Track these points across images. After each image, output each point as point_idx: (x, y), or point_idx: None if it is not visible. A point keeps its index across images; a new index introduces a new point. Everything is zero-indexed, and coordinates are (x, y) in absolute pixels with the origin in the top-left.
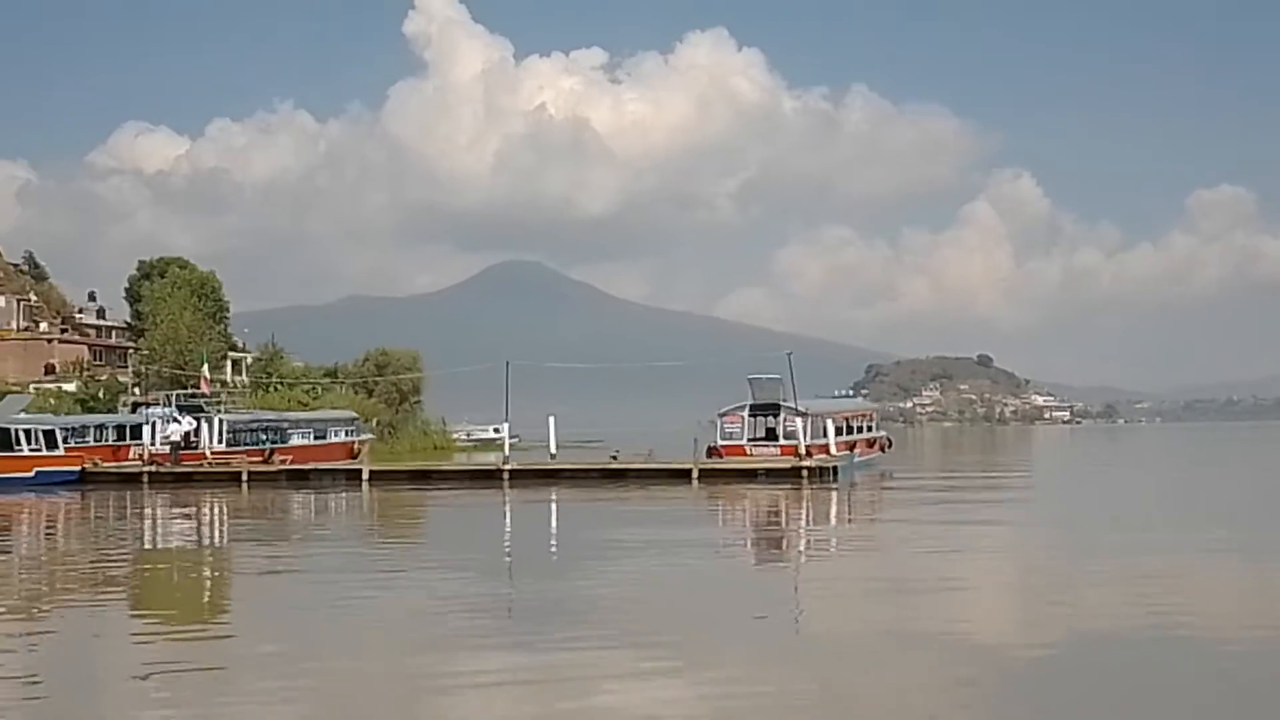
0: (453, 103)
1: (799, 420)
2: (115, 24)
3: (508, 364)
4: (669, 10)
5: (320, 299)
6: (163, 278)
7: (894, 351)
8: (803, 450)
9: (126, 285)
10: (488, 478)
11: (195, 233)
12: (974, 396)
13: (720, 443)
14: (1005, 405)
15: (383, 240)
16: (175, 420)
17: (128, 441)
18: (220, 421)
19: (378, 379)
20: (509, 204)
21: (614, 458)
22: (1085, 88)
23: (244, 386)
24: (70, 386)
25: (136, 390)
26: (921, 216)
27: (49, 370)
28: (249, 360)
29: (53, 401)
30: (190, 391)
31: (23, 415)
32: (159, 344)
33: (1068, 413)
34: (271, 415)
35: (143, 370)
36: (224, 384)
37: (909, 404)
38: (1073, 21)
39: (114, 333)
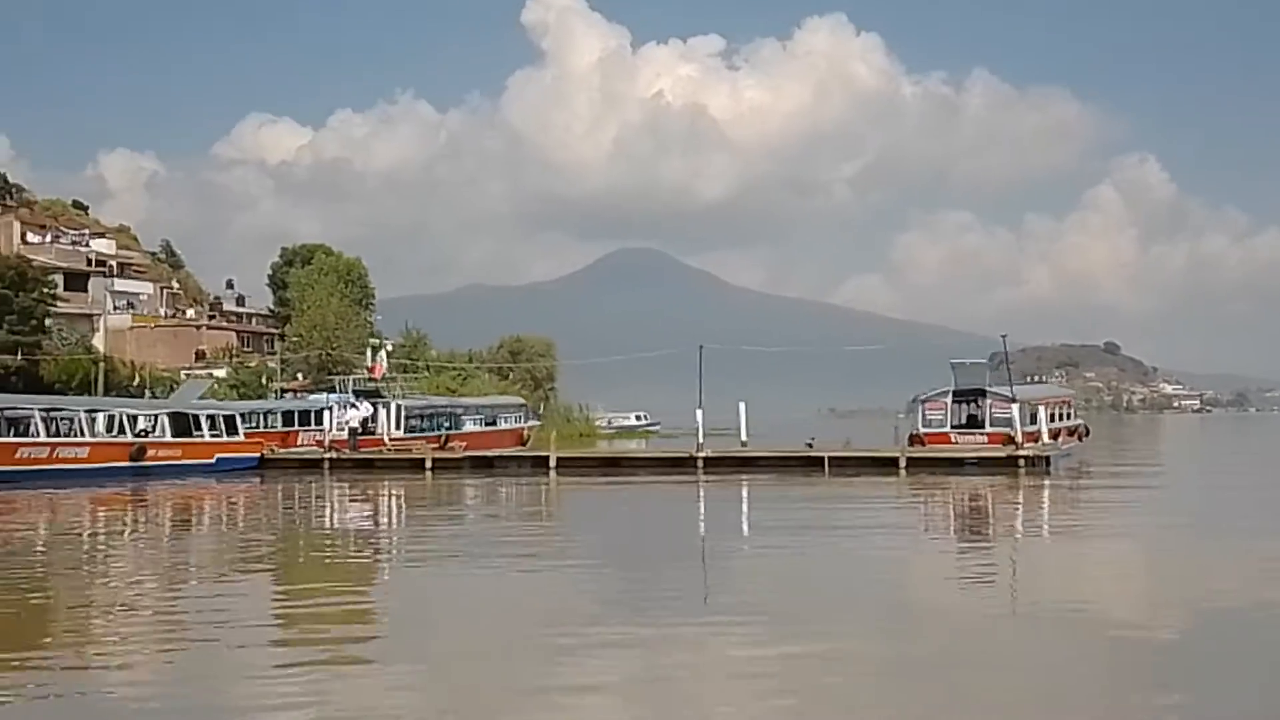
0: (570, 91)
1: (1013, 407)
2: (238, 18)
3: (701, 348)
4: None
5: (441, 287)
6: (305, 265)
7: (1017, 339)
8: (1019, 438)
9: (269, 272)
10: (680, 465)
11: (317, 222)
12: (1101, 385)
13: (923, 430)
14: (1133, 394)
15: (501, 229)
16: (353, 406)
17: (296, 427)
18: (398, 407)
19: (513, 365)
20: (626, 192)
21: (809, 445)
22: (1212, 70)
23: (387, 374)
24: (220, 373)
25: (288, 376)
26: (1043, 202)
27: (199, 356)
28: (389, 347)
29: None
30: (366, 377)
31: (203, 400)
32: (306, 330)
33: (1197, 401)
34: (445, 401)
35: (289, 356)
36: (369, 370)
37: None
38: (1200, 3)
39: (254, 319)
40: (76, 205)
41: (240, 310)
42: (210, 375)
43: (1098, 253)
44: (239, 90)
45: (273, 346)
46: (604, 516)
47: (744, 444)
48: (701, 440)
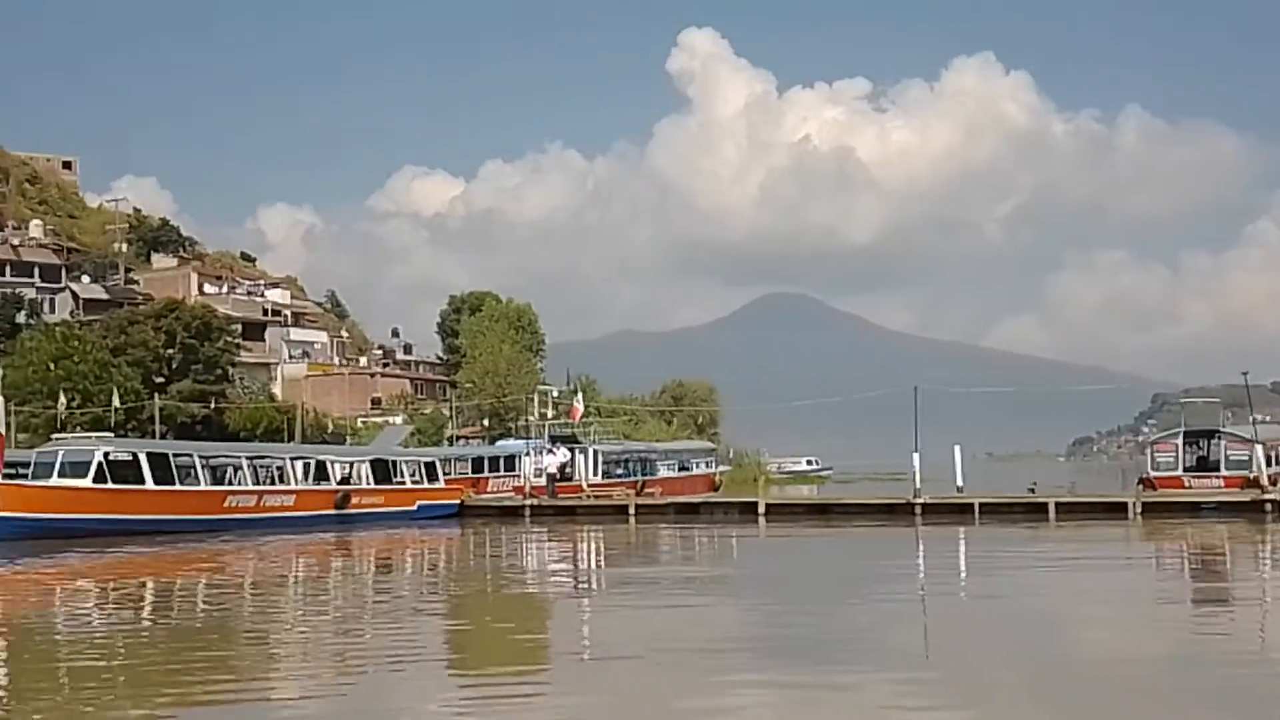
0: (716, 137)
1: (1256, 448)
2: (389, 74)
3: (916, 389)
4: (933, 37)
5: (591, 333)
6: (474, 312)
7: (1176, 380)
8: (1265, 481)
9: (438, 320)
10: (895, 512)
11: (470, 271)
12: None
13: (1153, 473)
14: None
15: (649, 274)
16: (550, 451)
17: (486, 474)
18: (595, 453)
19: (678, 409)
20: (773, 236)
21: (1031, 490)
22: None
23: (554, 418)
24: (396, 419)
25: (460, 423)
26: (1201, 238)
27: (375, 404)
28: (555, 392)
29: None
30: (563, 422)
31: (402, 447)
32: (479, 377)
33: None
34: (641, 446)
35: (462, 404)
36: (543, 416)
37: None
38: None
39: (422, 367)
40: (244, 257)
41: (409, 358)
42: (386, 422)
43: (1260, 289)
44: (392, 144)
45: (445, 393)
46: (832, 566)
47: (959, 489)
48: (919, 485)
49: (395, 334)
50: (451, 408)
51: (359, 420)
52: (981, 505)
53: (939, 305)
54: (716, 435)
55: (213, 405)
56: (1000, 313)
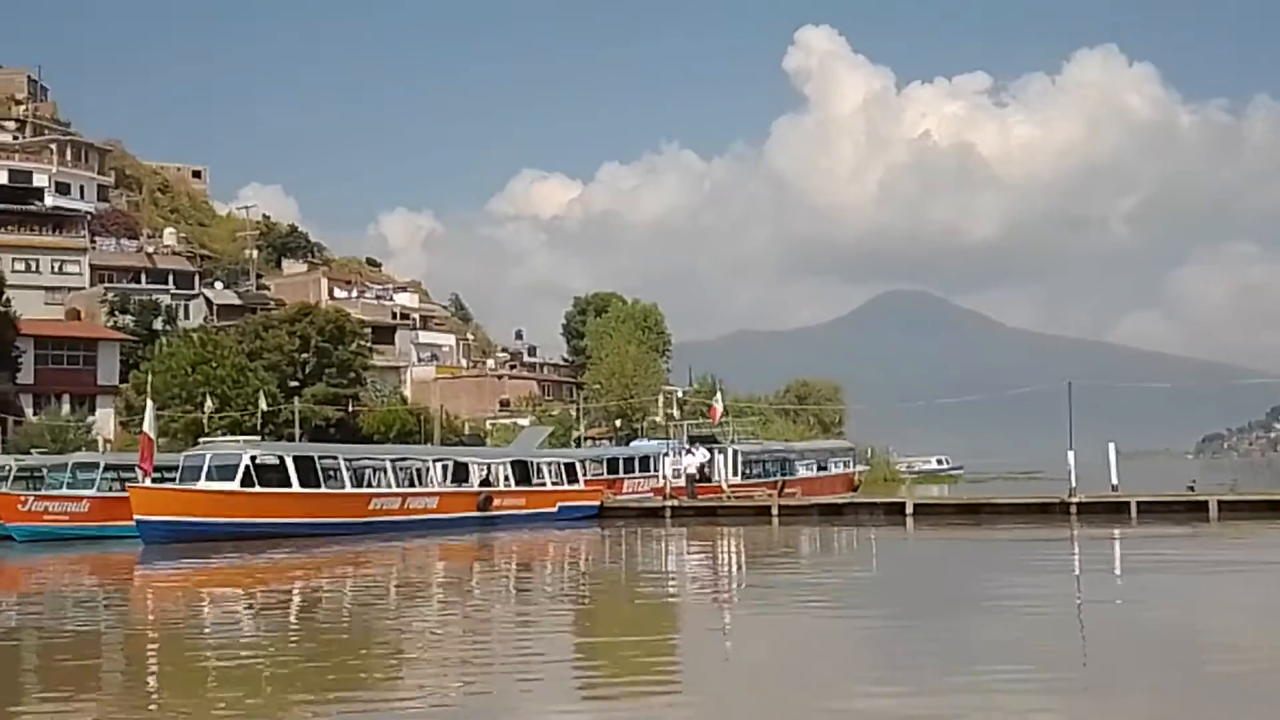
0: (834, 135)
1: None
2: (507, 79)
3: (1070, 385)
4: (1055, 30)
5: (709, 334)
6: (599, 314)
7: None
8: None
9: (563, 322)
10: (1048, 512)
11: (588, 273)
12: None
13: None
14: None
15: (767, 274)
16: (689, 452)
17: (621, 475)
18: (734, 453)
19: (802, 408)
20: (892, 234)
21: (1191, 488)
22: None
23: (680, 419)
24: (524, 421)
25: (587, 424)
26: None
27: (503, 405)
28: (679, 393)
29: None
30: (700, 422)
31: (541, 449)
32: (605, 378)
33: None
34: (780, 446)
35: (589, 405)
36: (669, 416)
37: None
38: None
39: (546, 368)
40: (370, 262)
41: (535, 360)
42: (515, 424)
43: None
44: (510, 148)
45: (572, 395)
46: (985, 569)
47: (1114, 488)
48: (1075, 484)
49: (519, 336)
50: (579, 409)
51: (487, 422)
52: (1139, 504)
53: (1061, 302)
54: (842, 435)
55: (347, 408)
56: (1125, 308)
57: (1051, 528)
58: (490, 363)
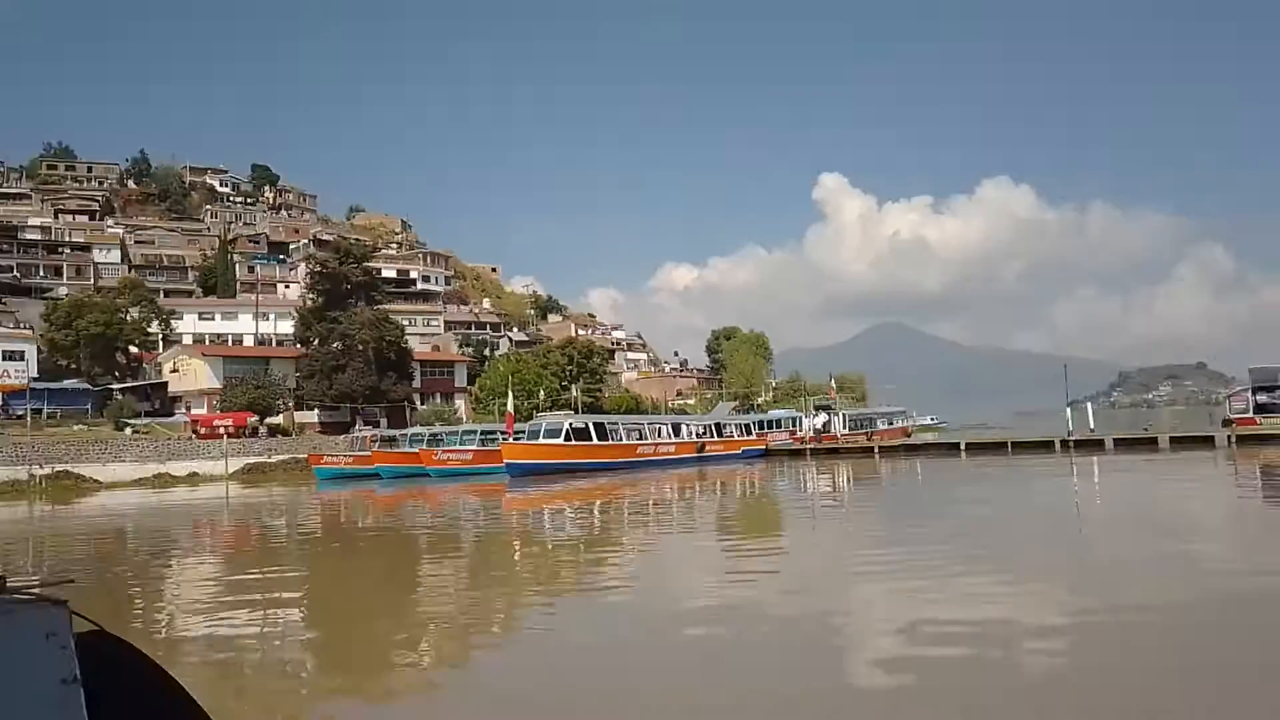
0: (842, 235)
1: None
2: (654, 208)
3: (1065, 367)
4: (970, 168)
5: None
6: (728, 339)
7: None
8: None
9: (705, 345)
10: (1050, 446)
11: (704, 319)
12: None
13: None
14: None
15: (805, 316)
16: (816, 414)
17: (766, 432)
18: (844, 415)
19: (840, 392)
20: (878, 290)
21: (1145, 430)
22: None
23: (774, 401)
24: (690, 402)
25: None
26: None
27: (678, 394)
28: (773, 383)
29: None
30: (821, 397)
31: (730, 416)
32: (734, 377)
33: None
34: (869, 410)
35: (723, 392)
36: (768, 401)
37: None
38: None
39: (694, 372)
40: (590, 316)
41: (689, 368)
42: (683, 405)
43: None
44: (658, 247)
45: (715, 387)
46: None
47: (1091, 430)
48: (1071, 429)
49: (675, 354)
50: (720, 394)
51: (670, 403)
52: (1114, 440)
53: (979, 325)
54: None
55: (595, 396)
56: (1016, 329)
57: (1054, 456)
58: (668, 369)
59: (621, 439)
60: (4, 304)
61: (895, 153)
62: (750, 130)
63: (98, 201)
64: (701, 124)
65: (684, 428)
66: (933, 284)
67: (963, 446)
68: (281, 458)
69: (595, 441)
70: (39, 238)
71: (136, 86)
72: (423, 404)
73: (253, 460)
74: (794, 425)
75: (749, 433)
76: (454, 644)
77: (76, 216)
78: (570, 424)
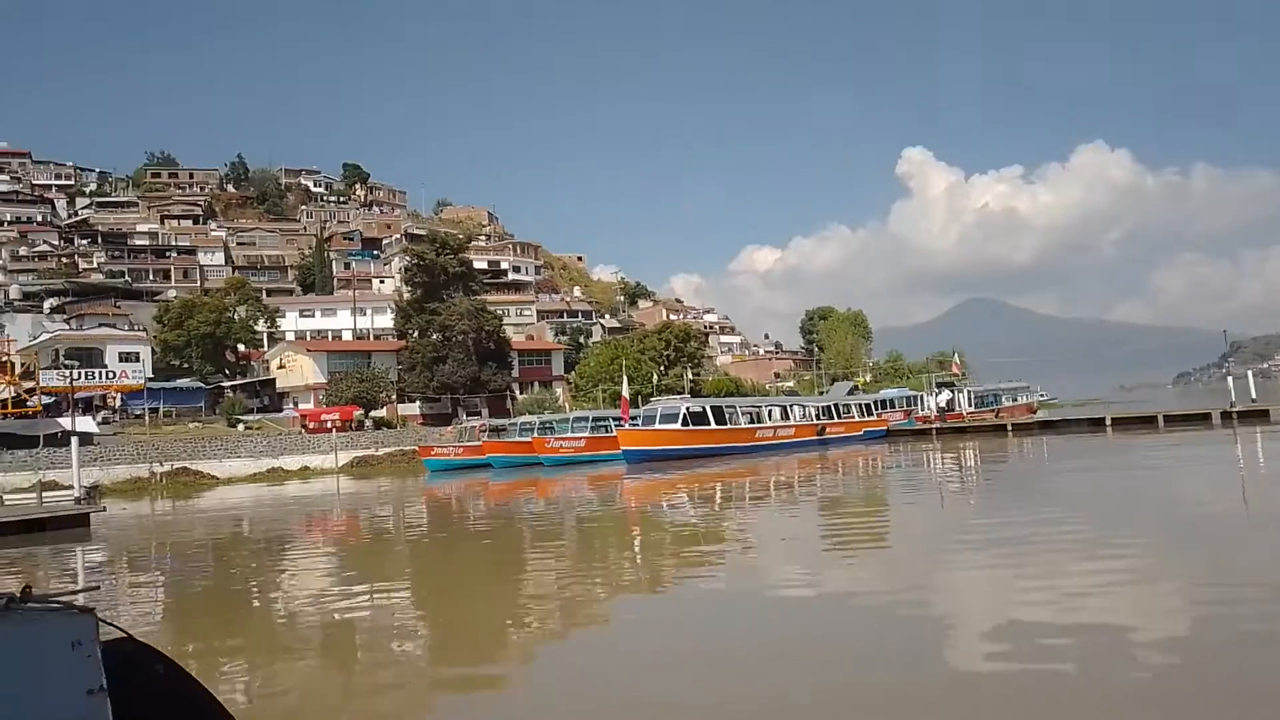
0: (928, 210)
1: None
2: (738, 189)
3: (1224, 331)
4: (1063, 134)
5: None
6: (822, 319)
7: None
8: None
9: (799, 326)
10: (1208, 419)
11: (786, 302)
12: None
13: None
14: None
15: (891, 293)
16: (938, 392)
17: (880, 414)
18: (969, 392)
19: (939, 371)
20: (966, 265)
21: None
22: None
23: (871, 382)
24: (789, 384)
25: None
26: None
27: (776, 375)
28: (870, 362)
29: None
30: (944, 374)
31: (848, 395)
32: (832, 356)
33: None
34: (993, 387)
35: (820, 373)
36: (865, 380)
37: None
38: None
39: (788, 354)
40: (677, 301)
41: (783, 350)
42: (780, 386)
43: None
44: (738, 228)
45: (809, 368)
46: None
47: (1254, 400)
48: (1234, 399)
49: (766, 336)
50: (815, 376)
51: (766, 385)
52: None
53: (1072, 297)
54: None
55: (694, 379)
56: (1116, 299)
57: (1211, 430)
58: (760, 351)
59: (739, 422)
60: (119, 308)
61: (983, 123)
62: (832, 104)
63: (200, 206)
64: (783, 96)
65: (802, 409)
66: (1024, 256)
67: (1108, 421)
68: (388, 450)
69: (713, 426)
70: (147, 243)
71: (230, 95)
72: (521, 393)
73: (360, 453)
74: (909, 404)
75: (869, 413)
76: (575, 633)
77: (181, 221)
78: (687, 408)
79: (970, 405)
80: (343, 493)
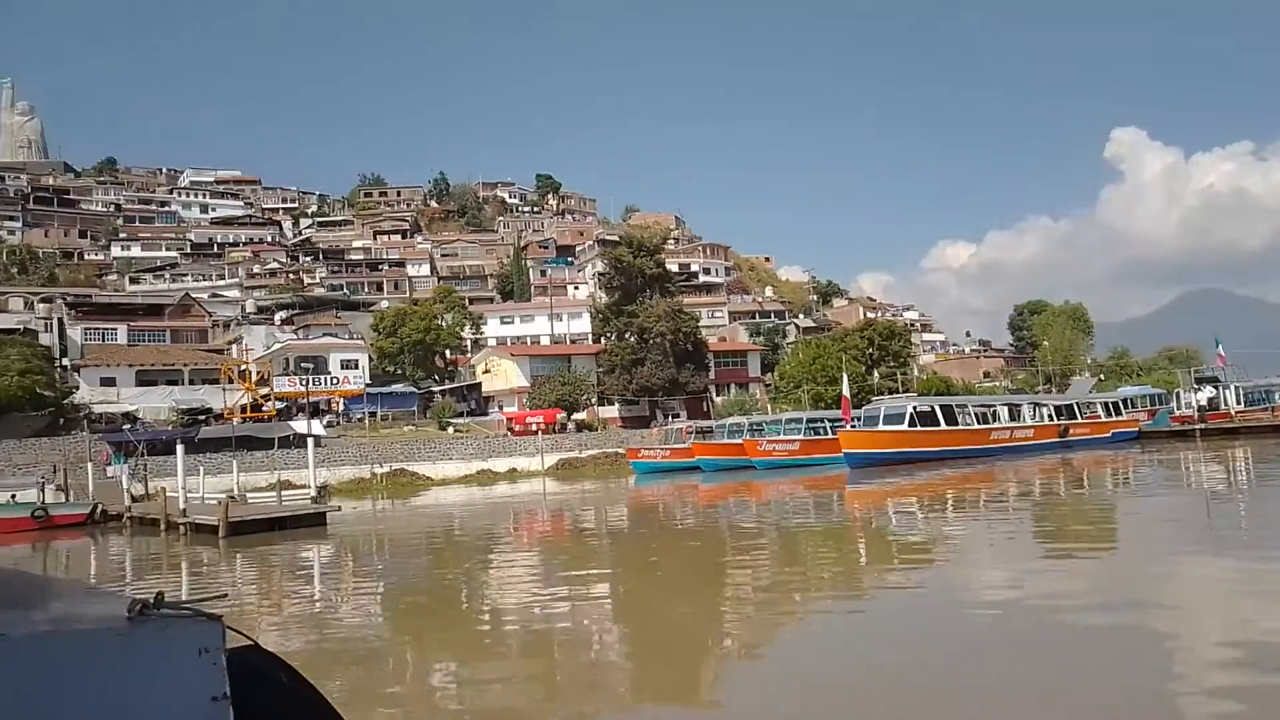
0: (1143, 194)
1: None
2: (935, 181)
3: None
4: None
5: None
6: (1034, 315)
7: None
8: None
9: (1008, 321)
10: None
11: (981, 299)
12: None
13: None
14: None
15: (1101, 286)
16: (1198, 390)
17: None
18: (1235, 388)
19: (1169, 366)
20: (1189, 252)
21: None
22: None
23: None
24: (999, 383)
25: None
26: None
27: (985, 375)
28: (1089, 359)
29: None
30: (1208, 366)
31: (1091, 393)
32: (1047, 354)
33: None
34: (1264, 381)
35: (1035, 370)
36: (1086, 375)
37: None
38: None
39: (998, 352)
40: (870, 299)
41: (993, 347)
42: (991, 386)
43: None
44: (931, 226)
45: (1024, 365)
46: None
47: None
48: None
49: (968, 334)
50: (1031, 373)
51: (974, 385)
52: None
53: None
54: None
55: (897, 378)
56: None
57: None
58: (967, 350)
59: (971, 423)
60: (339, 318)
61: (1203, 97)
62: (1035, 86)
63: (407, 221)
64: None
65: (1039, 408)
66: (1256, 241)
67: None
68: (591, 452)
69: (943, 426)
70: (361, 258)
71: (430, 114)
72: (718, 395)
73: (565, 455)
74: (1153, 403)
75: (1117, 413)
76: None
77: (391, 236)
78: (914, 408)
79: (1239, 403)
80: (550, 494)
